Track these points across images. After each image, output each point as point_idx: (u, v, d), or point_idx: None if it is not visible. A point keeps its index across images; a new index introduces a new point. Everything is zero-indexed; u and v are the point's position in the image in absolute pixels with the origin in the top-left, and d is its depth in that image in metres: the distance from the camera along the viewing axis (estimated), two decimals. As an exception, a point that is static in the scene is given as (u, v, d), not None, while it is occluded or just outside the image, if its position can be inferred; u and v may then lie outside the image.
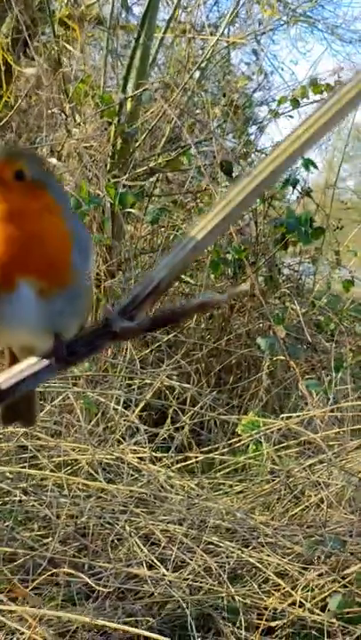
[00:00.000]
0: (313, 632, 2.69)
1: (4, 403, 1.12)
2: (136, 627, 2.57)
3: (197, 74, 5.15)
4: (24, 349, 1.25)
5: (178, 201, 4.91)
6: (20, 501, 3.14)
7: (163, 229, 4.90)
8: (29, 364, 1.13)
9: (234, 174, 4.64)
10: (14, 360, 1.27)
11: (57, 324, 1.14)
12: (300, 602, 2.77)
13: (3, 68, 6.05)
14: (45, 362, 1.12)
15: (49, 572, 2.73)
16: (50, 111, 4.83)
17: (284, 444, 3.56)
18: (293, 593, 2.79)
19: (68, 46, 5.33)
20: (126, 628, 2.50)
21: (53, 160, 4.48)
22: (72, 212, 1.22)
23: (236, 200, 1.06)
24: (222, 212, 1.08)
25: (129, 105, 4.71)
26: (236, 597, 2.78)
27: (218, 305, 1.12)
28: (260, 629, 2.69)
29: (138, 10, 7.45)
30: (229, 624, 2.71)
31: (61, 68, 4.91)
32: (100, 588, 2.69)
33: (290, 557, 2.96)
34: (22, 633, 2.40)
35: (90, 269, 1.18)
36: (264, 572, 2.90)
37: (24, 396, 1.16)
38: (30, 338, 1.18)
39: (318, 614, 2.72)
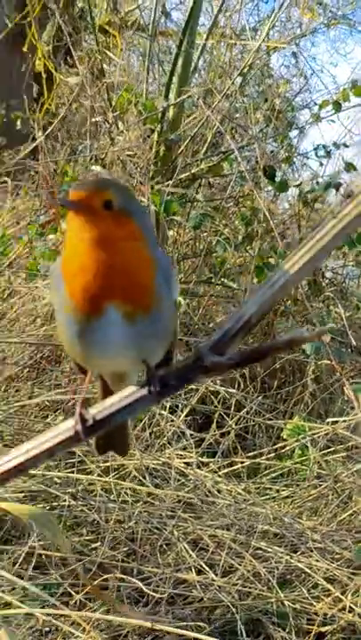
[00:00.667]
0: (363, 637, 2.70)
1: (98, 433, 1.15)
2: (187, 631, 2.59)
3: (239, 79, 5.15)
4: (115, 377, 1.28)
5: (220, 206, 4.92)
6: (69, 506, 3.17)
7: (205, 234, 4.92)
8: (123, 396, 1.16)
9: (277, 179, 4.65)
10: (107, 389, 1.30)
11: (143, 348, 1.18)
12: (350, 607, 2.77)
13: (44, 76, 6.10)
14: (139, 394, 1.15)
15: (100, 578, 2.75)
16: (93, 119, 4.86)
17: (331, 448, 3.56)
18: (343, 598, 2.79)
19: (109, 53, 5.36)
20: (180, 631, 2.51)
21: (97, 168, 4.51)
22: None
23: (323, 241, 1.09)
24: (309, 253, 1.10)
25: (171, 112, 4.73)
26: (286, 602, 2.79)
27: (306, 341, 1.14)
28: (310, 635, 2.70)
29: (176, 15, 7.48)
30: (279, 629, 2.72)
31: (104, 76, 4.94)
32: (151, 592, 2.70)
33: (339, 562, 2.96)
34: (77, 637, 2.42)
35: (175, 298, 1.22)
36: (313, 578, 2.91)
37: (118, 426, 1.19)
38: (120, 363, 1.22)
39: (369, 619, 2.72)
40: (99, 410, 1.17)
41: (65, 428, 1.17)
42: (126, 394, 1.17)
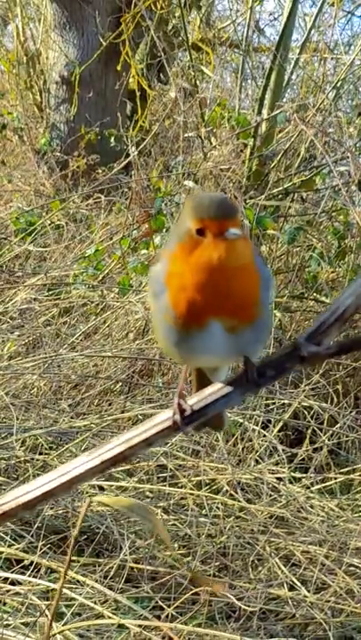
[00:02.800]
0: None
1: (196, 423, 1.16)
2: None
3: (332, 93, 5.13)
4: (211, 369, 1.29)
5: (313, 221, 4.90)
6: (161, 520, 3.18)
7: (298, 249, 4.90)
8: (220, 387, 1.16)
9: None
10: (202, 377, 1.31)
11: (244, 352, 1.18)
12: None
13: (138, 94, 6.17)
14: (236, 384, 1.16)
15: (191, 591, 2.75)
16: (186, 135, 4.89)
17: None
18: None
19: (203, 69, 5.40)
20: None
21: (190, 183, 4.53)
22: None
23: None
24: None
25: (264, 127, 4.73)
26: (380, 621, 2.75)
27: None
28: None
29: (269, 31, 7.50)
30: (373, 647, 2.68)
31: (197, 92, 4.97)
32: (244, 607, 2.69)
33: None
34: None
35: (271, 301, 1.22)
36: None
37: None
38: (218, 362, 1.23)
39: None
40: (196, 400, 1.18)
41: (164, 418, 1.18)
42: (223, 384, 1.17)
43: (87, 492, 3.11)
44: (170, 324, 1.17)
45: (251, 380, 1.16)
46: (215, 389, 1.17)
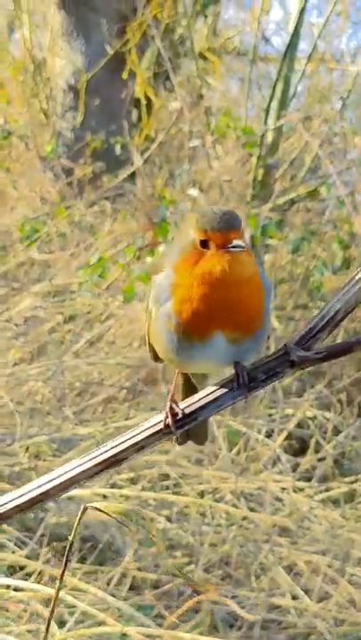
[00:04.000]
0: None
1: (187, 426, 1.17)
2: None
3: (338, 103, 5.14)
4: (200, 374, 1.30)
5: (317, 230, 4.90)
6: (164, 529, 3.18)
7: (302, 258, 4.90)
8: (211, 391, 1.18)
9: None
10: (189, 384, 1.32)
11: (241, 359, 1.19)
12: None
13: (144, 102, 6.18)
14: (227, 389, 1.18)
15: (194, 600, 2.75)
16: (191, 145, 4.90)
17: None
18: None
19: (208, 79, 5.40)
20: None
21: (194, 192, 4.54)
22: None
23: None
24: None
25: (270, 136, 4.73)
26: (382, 631, 2.74)
27: None
28: None
29: (276, 41, 7.51)
30: (376, 657, 2.67)
31: (203, 101, 4.98)
32: (246, 615, 2.68)
33: None
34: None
35: (270, 308, 1.23)
36: None
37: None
38: (214, 369, 1.24)
39: None
40: (188, 404, 1.20)
41: (155, 422, 1.20)
42: (214, 388, 1.19)
43: (91, 500, 3.11)
44: (173, 332, 1.18)
45: (242, 384, 1.17)
46: (206, 394, 1.19)
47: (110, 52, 6.25)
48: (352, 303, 1.14)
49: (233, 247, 1.13)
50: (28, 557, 2.81)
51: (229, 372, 1.20)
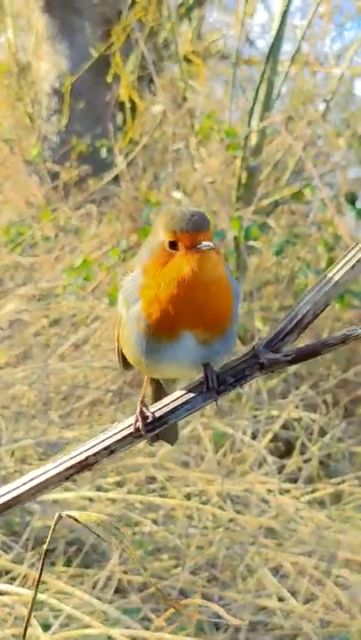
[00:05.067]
0: None
1: (158, 429, 1.17)
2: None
3: (322, 105, 5.15)
4: (170, 379, 1.30)
5: (302, 233, 4.91)
6: (150, 532, 3.18)
7: (286, 260, 4.91)
8: (181, 394, 1.18)
9: (357, 205, 4.61)
10: (159, 389, 1.32)
11: (211, 361, 1.20)
12: None
13: (128, 106, 6.18)
14: (197, 392, 1.18)
15: (180, 602, 2.74)
16: (175, 147, 4.90)
17: None
18: None
19: (192, 82, 5.41)
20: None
21: (178, 194, 4.54)
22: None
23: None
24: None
25: (254, 138, 4.74)
26: (369, 632, 2.75)
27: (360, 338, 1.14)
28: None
29: (260, 44, 7.51)
30: (362, 658, 2.68)
31: (186, 104, 4.98)
32: (232, 620, 2.68)
33: None
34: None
35: (239, 309, 1.23)
36: None
37: None
38: (184, 373, 1.23)
39: None
40: (158, 407, 1.20)
41: (125, 425, 1.20)
42: (184, 392, 1.19)
43: (77, 504, 3.11)
44: (142, 333, 1.18)
45: (211, 387, 1.18)
46: (176, 397, 1.19)
47: (95, 55, 6.26)
48: (321, 305, 1.14)
49: (202, 247, 1.13)
50: (13, 562, 2.81)
51: (199, 376, 1.20)
